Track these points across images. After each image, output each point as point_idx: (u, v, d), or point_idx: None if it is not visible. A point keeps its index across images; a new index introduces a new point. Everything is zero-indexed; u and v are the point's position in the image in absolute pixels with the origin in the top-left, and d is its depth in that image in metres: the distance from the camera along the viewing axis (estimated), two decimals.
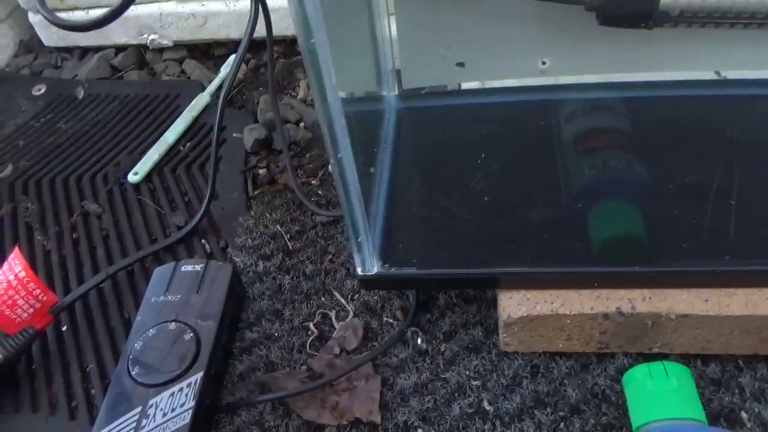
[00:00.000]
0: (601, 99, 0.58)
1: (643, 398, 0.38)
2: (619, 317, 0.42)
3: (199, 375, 0.45)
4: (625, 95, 0.58)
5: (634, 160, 0.52)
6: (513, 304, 0.44)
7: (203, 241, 0.63)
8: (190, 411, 0.43)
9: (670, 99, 0.58)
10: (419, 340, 0.50)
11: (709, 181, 0.48)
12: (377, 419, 0.46)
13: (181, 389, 0.44)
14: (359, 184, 0.38)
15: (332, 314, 0.54)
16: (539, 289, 0.43)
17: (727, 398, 0.43)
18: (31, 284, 0.52)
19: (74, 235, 0.66)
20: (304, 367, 0.50)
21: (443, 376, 0.48)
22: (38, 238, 0.66)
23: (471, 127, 0.57)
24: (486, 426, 0.45)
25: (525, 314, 0.43)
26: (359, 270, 0.45)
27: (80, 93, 0.86)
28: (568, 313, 0.42)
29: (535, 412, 0.45)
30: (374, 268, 0.44)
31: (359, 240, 0.42)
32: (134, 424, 0.42)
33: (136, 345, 0.47)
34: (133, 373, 0.45)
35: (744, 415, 0.42)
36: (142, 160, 0.72)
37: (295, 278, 0.57)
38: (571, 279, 0.43)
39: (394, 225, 0.47)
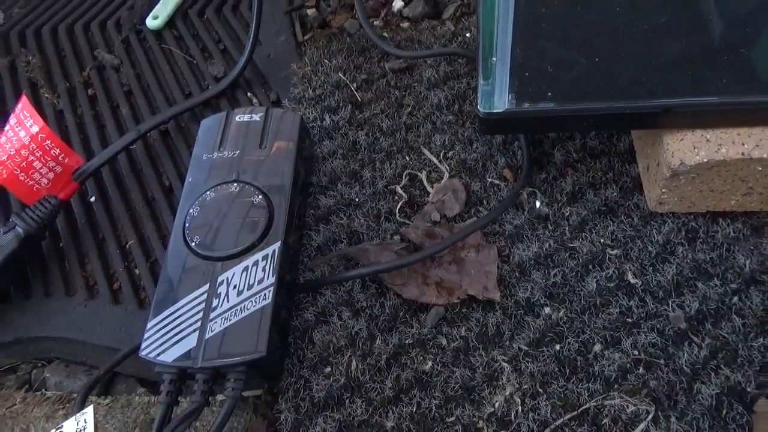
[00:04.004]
0: None
1: None
2: None
3: (277, 245, 0.35)
4: None
5: None
6: (686, 147, 0.33)
7: (249, 93, 0.51)
8: (271, 288, 0.34)
9: None
10: (537, 203, 0.41)
11: None
12: (496, 296, 0.37)
13: (256, 263, 0.35)
14: None
15: (422, 175, 0.43)
16: (726, 127, 0.33)
17: None
18: (49, 142, 0.42)
19: (90, 92, 0.54)
20: (396, 237, 0.40)
21: (571, 245, 0.39)
22: (46, 96, 0.54)
23: None
24: (633, 302, 0.36)
25: (705, 159, 0.33)
26: (482, 106, 0.34)
27: None
28: (765, 156, 0.32)
29: (698, 284, 0.36)
30: (504, 103, 0.33)
31: (492, 60, 0.31)
32: (203, 305, 0.33)
33: (192, 211, 0.37)
34: (192, 244, 0.35)
35: None
36: (161, 2, 0.59)
37: (370, 134, 0.46)
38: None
39: (534, 50, 0.35)
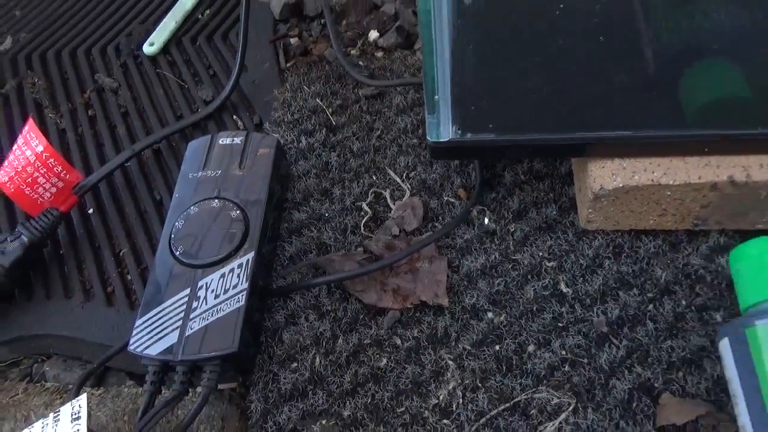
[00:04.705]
0: None
1: (759, 275, 0.34)
2: (730, 187, 0.37)
3: (251, 255, 0.40)
4: None
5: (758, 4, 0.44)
6: (606, 174, 0.38)
7: (234, 116, 0.57)
8: (245, 292, 0.39)
9: None
10: (486, 220, 0.46)
11: None
12: (444, 302, 0.42)
13: (232, 270, 0.40)
14: (450, 26, 0.31)
15: (386, 193, 0.49)
16: (639, 157, 0.38)
17: None
18: (52, 160, 0.47)
19: (90, 112, 0.59)
20: (360, 248, 0.45)
21: (514, 257, 0.44)
22: (50, 116, 0.59)
23: None
24: (564, 308, 0.41)
25: (621, 185, 0.38)
26: (431, 136, 0.39)
27: None
28: (671, 183, 0.37)
29: (620, 293, 0.41)
30: (449, 133, 0.38)
31: (436, 98, 0.36)
32: (184, 306, 0.38)
33: (177, 224, 0.42)
34: (177, 253, 0.40)
35: None
36: (157, 29, 0.64)
37: (342, 155, 0.51)
38: (678, 144, 0.37)
39: (471, 88, 0.40)
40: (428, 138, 0.39)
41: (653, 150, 0.38)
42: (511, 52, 0.39)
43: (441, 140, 0.38)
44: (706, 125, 0.36)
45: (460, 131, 0.38)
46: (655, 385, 0.37)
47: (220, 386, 0.42)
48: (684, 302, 0.40)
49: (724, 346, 0.34)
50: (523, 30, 0.38)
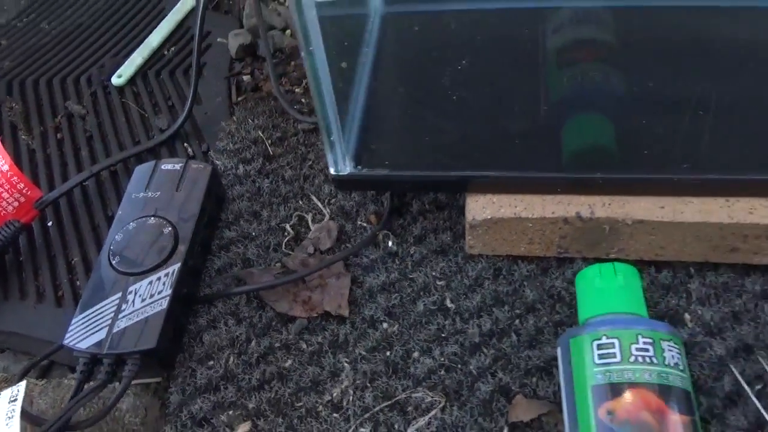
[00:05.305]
0: (591, 9, 0.57)
1: (591, 295, 0.41)
2: (579, 222, 0.44)
3: (177, 266, 0.47)
4: (618, 4, 0.56)
5: (612, 72, 0.52)
6: (479, 207, 0.45)
7: (185, 144, 0.64)
8: (167, 298, 0.45)
9: (663, 9, 0.56)
10: (390, 243, 0.52)
11: (682, 94, 0.48)
12: (345, 312, 0.49)
13: (159, 278, 0.46)
14: (331, 81, 0.39)
15: (309, 217, 0.55)
16: (504, 193, 0.45)
17: (674, 301, 0.46)
18: (15, 178, 0.54)
19: (59, 135, 0.66)
20: (278, 264, 0.52)
21: (410, 276, 0.50)
22: (23, 137, 0.66)
23: (457, 34, 0.56)
24: (447, 321, 0.47)
25: (489, 216, 0.44)
26: (332, 170, 0.46)
27: None
28: (530, 216, 0.44)
29: (494, 309, 0.47)
30: (347, 168, 0.45)
31: (332, 139, 0.43)
32: (114, 308, 0.45)
33: (116, 237, 0.49)
34: (113, 262, 0.47)
35: (687, 316, 0.45)
36: (125, 63, 0.72)
37: (274, 182, 0.58)
38: (535, 184, 0.44)
39: (370, 128, 0.47)
40: (330, 171, 0.46)
41: (515, 188, 0.45)
42: (405, 104, 0.46)
43: (340, 173, 0.45)
44: (557, 169, 0.43)
45: (354, 167, 0.45)
46: (513, 388, 0.44)
47: (146, 380, 0.48)
48: (545, 318, 0.46)
49: (558, 354, 0.40)
50: (410, 81, 0.46)
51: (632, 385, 0.35)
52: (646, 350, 0.35)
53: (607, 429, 0.34)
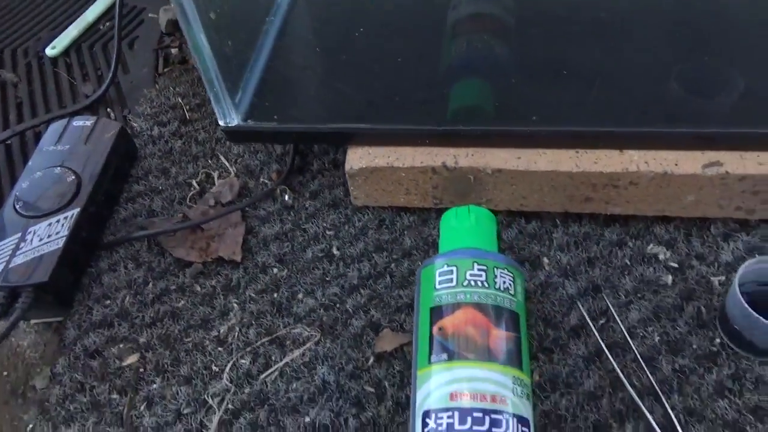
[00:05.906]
0: None
1: (447, 233, 0.44)
2: (445, 171, 0.47)
3: (76, 210, 0.50)
4: None
5: (495, 42, 0.56)
6: (356, 157, 0.49)
7: (108, 109, 0.67)
8: (64, 238, 0.48)
9: None
10: (287, 197, 0.56)
11: (546, 59, 0.52)
12: (238, 258, 0.52)
13: (58, 221, 0.49)
14: (204, 33, 0.42)
15: (215, 174, 0.59)
16: (380, 145, 0.48)
17: (536, 248, 0.49)
18: None
19: None
20: (180, 214, 0.55)
21: (303, 227, 0.54)
22: None
23: (365, 7, 0.60)
24: (331, 266, 0.51)
25: (365, 165, 0.48)
26: (221, 122, 0.49)
27: None
28: (401, 165, 0.47)
29: (374, 255, 0.51)
30: (234, 120, 0.49)
31: (215, 91, 0.46)
32: (13, 246, 0.48)
33: (23, 185, 0.52)
34: (17, 207, 0.50)
35: (545, 260, 0.49)
36: (60, 36, 0.75)
37: (186, 143, 0.61)
38: (406, 136, 0.48)
39: (265, 87, 0.51)
40: (220, 123, 0.49)
41: (389, 140, 0.48)
42: (300, 64, 0.50)
43: (229, 125, 0.49)
44: (427, 122, 0.47)
45: (241, 119, 0.48)
46: (382, 323, 0.47)
47: (47, 320, 0.51)
48: (419, 263, 0.50)
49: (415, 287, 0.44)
50: (310, 46, 0.49)
51: (463, 305, 0.38)
52: (479, 276, 0.39)
53: (438, 342, 0.37)
